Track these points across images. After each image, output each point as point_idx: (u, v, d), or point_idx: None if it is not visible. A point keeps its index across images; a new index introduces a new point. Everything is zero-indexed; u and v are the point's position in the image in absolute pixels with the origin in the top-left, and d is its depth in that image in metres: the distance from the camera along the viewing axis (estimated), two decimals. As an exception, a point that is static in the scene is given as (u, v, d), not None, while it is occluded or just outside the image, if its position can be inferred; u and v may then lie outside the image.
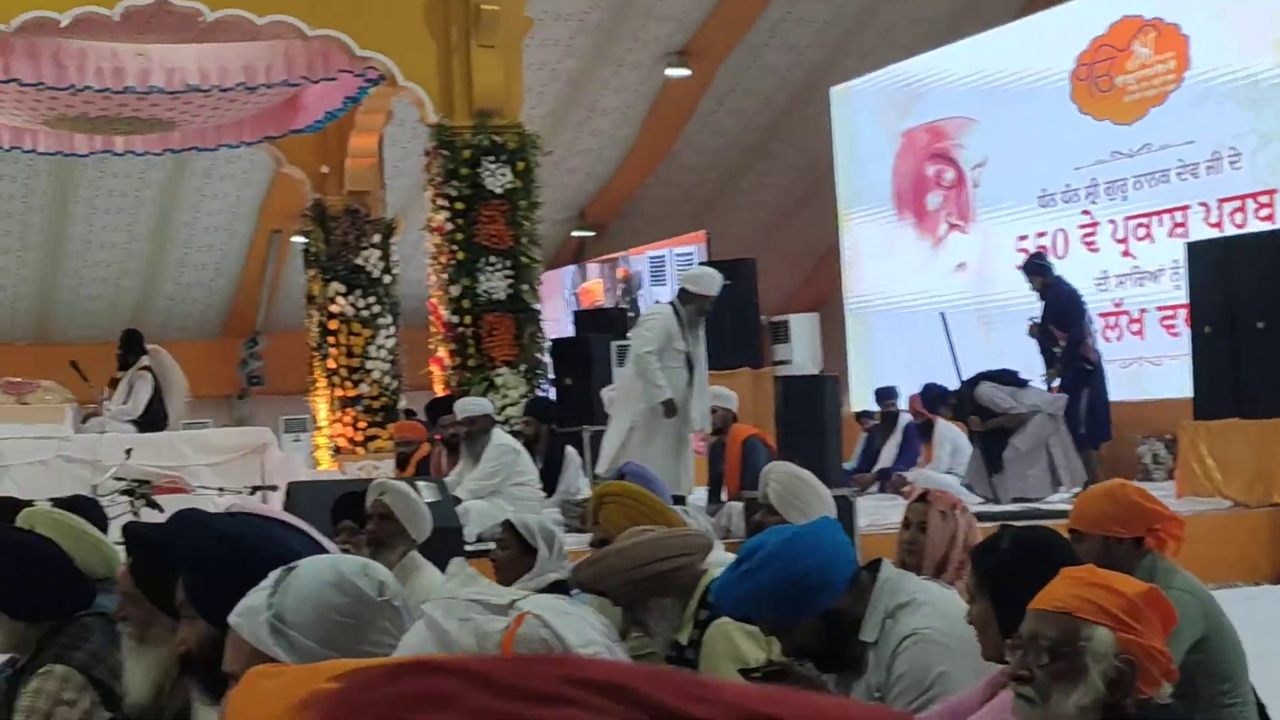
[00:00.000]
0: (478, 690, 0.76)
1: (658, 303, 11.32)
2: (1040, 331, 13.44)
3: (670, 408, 10.86)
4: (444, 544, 8.02)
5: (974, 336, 16.46)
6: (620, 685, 0.76)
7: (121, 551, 4.42)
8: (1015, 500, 12.49)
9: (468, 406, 11.81)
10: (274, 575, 2.46)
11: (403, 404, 16.90)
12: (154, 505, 10.32)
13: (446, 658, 0.79)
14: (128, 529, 4.28)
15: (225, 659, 2.42)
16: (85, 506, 6.54)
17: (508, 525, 6.11)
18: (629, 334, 18.30)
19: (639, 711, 0.74)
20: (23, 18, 13.08)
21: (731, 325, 16.08)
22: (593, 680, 0.76)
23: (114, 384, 14.49)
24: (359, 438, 16.63)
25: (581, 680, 0.76)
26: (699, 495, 12.46)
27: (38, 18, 13.13)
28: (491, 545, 6.78)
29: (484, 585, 2.61)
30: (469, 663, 0.77)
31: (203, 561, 2.98)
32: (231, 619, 2.42)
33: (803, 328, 20.01)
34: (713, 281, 11.29)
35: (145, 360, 14.40)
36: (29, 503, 6.63)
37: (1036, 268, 13.64)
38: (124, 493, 10.54)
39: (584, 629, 3.64)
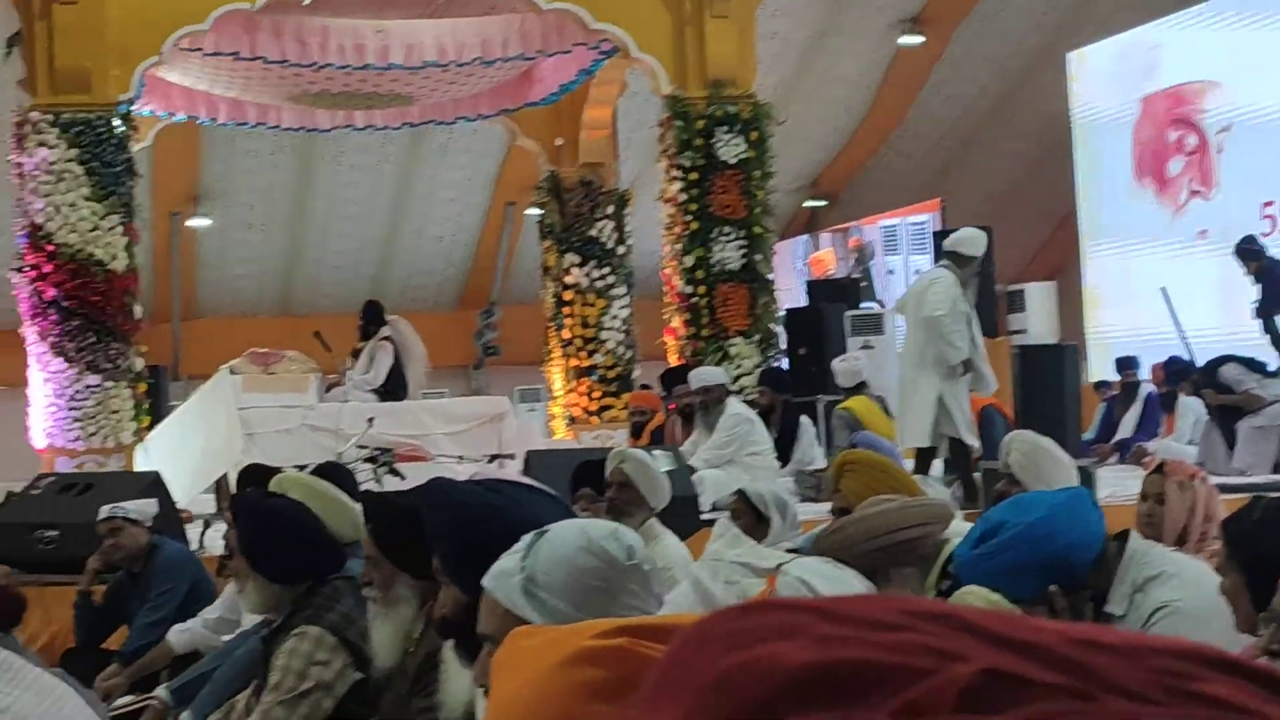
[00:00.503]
0: (822, 621, 0.80)
1: (940, 266, 11.16)
2: (1263, 314, 13.08)
3: (968, 367, 10.76)
4: (680, 513, 8.08)
5: (1211, 305, 16.08)
6: (954, 615, 0.80)
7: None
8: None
9: (703, 376, 11.85)
10: (526, 539, 2.50)
11: (636, 374, 17.00)
12: (396, 473, 10.54)
13: (790, 597, 0.84)
14: (366, 496, 4.38)
15: (480, 621, 2.47)
16: (336, 473, 6.71)
17: (741, 495, 6.12)
18: (861, 304, 18.21)
19: (975, 638, 0.78)
20: (268, -3, 13.44)
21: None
22: (928, 611, 0.81)
23: (356, 354, 14.80)
24: (593, 407, 16.78)
25: (918, 612, 0.81)
26: (937, 465, 12.35)
27: (283, -4, 13.48)
28: (725, 515, 6.81)
29: (748, 548, 2.62)
30: (812, 599, 0.83)
31: (456, 529, 3.04)
32: (485, 582, 2.46)
33: (1039, 297, 19.73)
34: (982, 242, 11.20)
35: (386, 331, 14.68)
36: (277, 470, 6.82)
37: (1249, 252, 13.27)
38: (367, 460, 10.79)
39: (847, 592, 3.65)
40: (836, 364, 13.07)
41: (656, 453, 8.32)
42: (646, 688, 0.83)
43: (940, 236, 18.14)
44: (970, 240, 11.15)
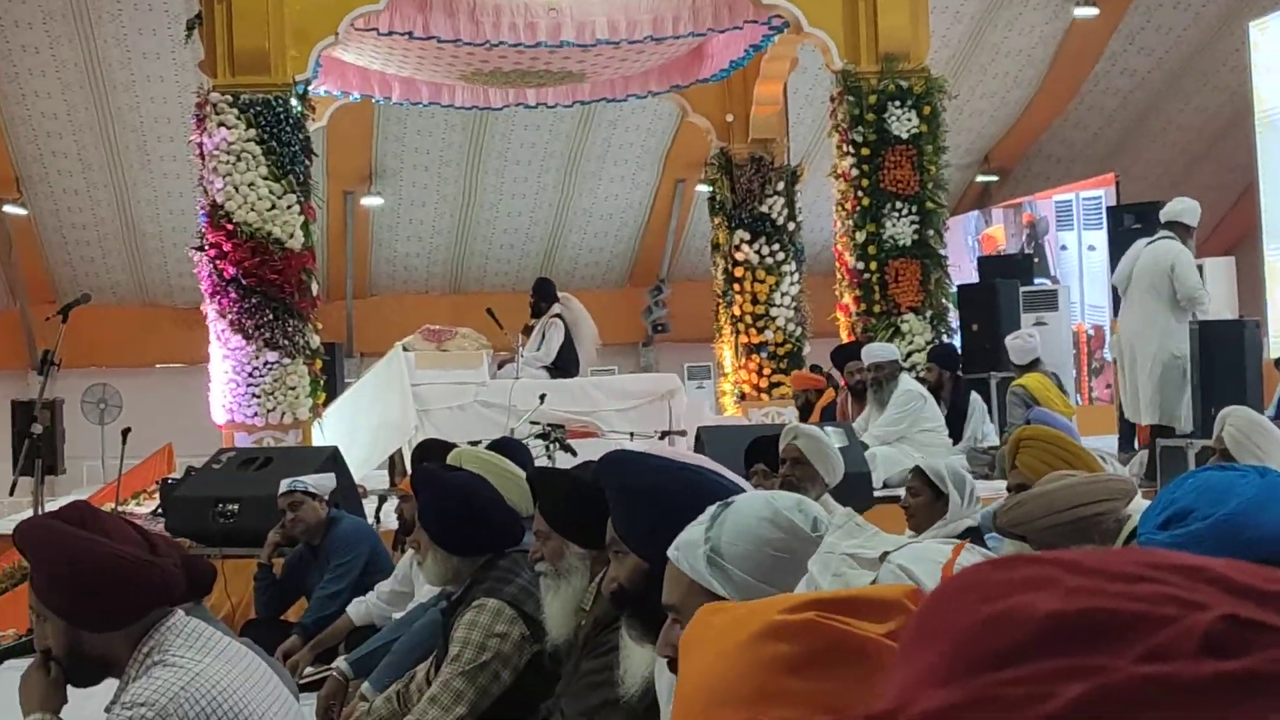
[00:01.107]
0: (1071, 573, 0.84)
1: (1164, 238, 11.09)
2: None
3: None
4: (853, 489, 8.06)
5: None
6: (1195, 566, 0.84)
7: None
8: None
9: (875, 352, 11.81)
10: (711, 510, 2.50)
11: (807, 351, 16.95)
12: (568, 449, 10.60)
13: (1041, 552, 0.88)
14: (533, 471, 4.41)
15: (664, 592, 2.48)
16: (511, 448, 6.77)
17: (918, 471, 6.08)
18: (1034, 280, 17.98)
19: (1215, 588, 0.82)
20: (441, -24, 13.57)
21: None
22: (1170, 564, 0.85)
23: (527, 331, 14.90)
24: (763, 384, 16.76)
25: (1160, 564, 0.85)
26: (1109, 443, 12.20)
27: (455, -25, 13.60)
28: (900, 491, 6.77)
29: (866, 537, 2.60)
30: (1061, 553, 0.88)
31: (634, 499, 3.06)
32: (671, 552, 2.47)
33: (1217, 271, 19.34)
34: (1198, 211, 11.18)
35: (557, 308, 14.77)
36: (452, 445, 6.90)
37: None
38: (538, 437, 10.86)
39: None
40: (1010, 341, 12.95)
41: (829, 429, 8.29)
42: (903, 639, 0.88)
43: (1115, 211, 17.90)
44: (1191, 210, 11.16)
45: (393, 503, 9.78)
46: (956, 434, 12.24)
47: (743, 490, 3.01)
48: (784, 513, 2.47)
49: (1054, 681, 0.79)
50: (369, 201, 24.91)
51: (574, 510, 3.96)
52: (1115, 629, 0.80)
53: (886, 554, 3.38)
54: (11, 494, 11.52)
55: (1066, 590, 0.82)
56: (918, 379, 12.50)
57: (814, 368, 16.53)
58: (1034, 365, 12.68)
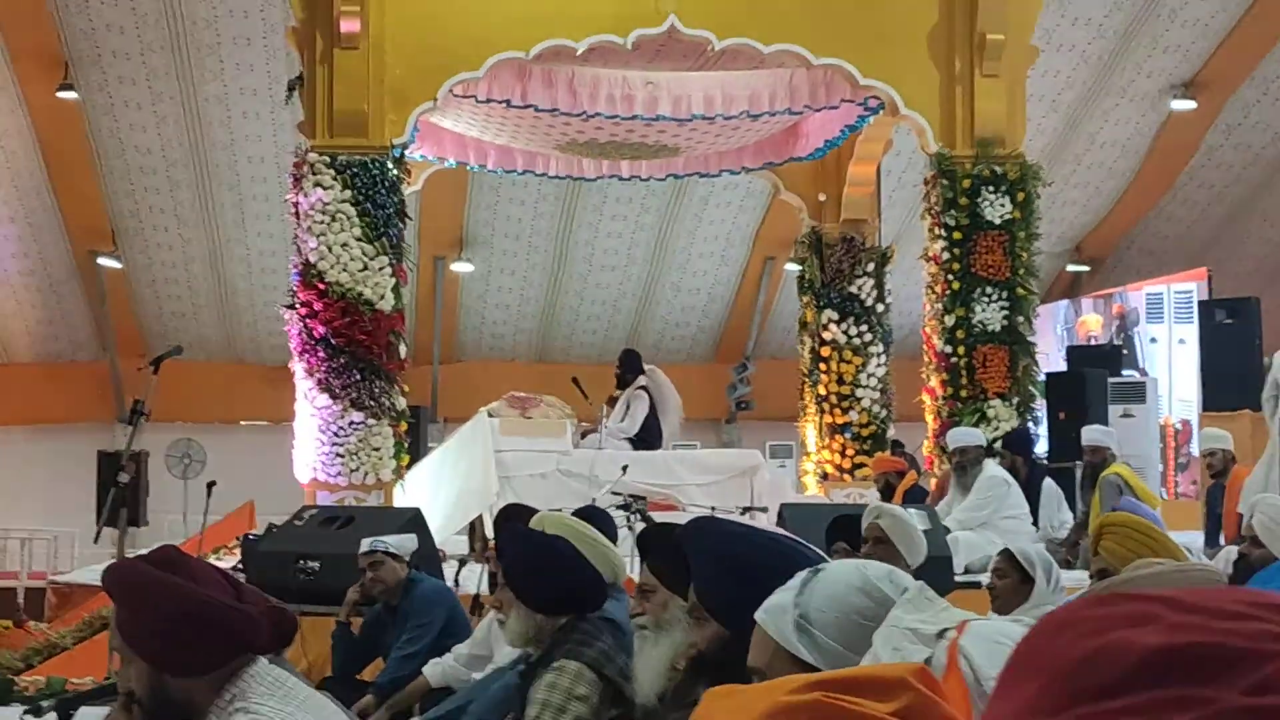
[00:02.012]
0: (1173, 610, 0.86)
1: None
2: None
3: None
4: (935, 572, 8.00)
5: None
6: None
7: (630, 557, 4.58)
8: None
9: (960, 437, 11.76)
10: (801, 576, 2.50)
11: (891, 433, 16.88)
12: (648, 521, 10.59)
13: (1139, 590, 0.89)
14: (644, 529, 4.43)
15: (750, 654, 2.48)
16: (596, 517, 6.78)
17: (1006, 554, 6.04)
18: (1122, 372, 17.85)
19: None
20: (541, 46, 13.68)
21: (1233, 365, 15.55)
22: (1271, 603, 0.86)
23: (612, 402, 14.93)
24: (846, 464, 16.69)
25: (1261, 603, 0.86)
26: (1194, 538, 12.06)
27: (555, 46, 13.70)
28: (982, 577, 6.72)
29: (933, 612, 2.58)
30: (1163, 590, 0.89)
31: (719, 565, 3.06)
32: (759, 615, 2.47)
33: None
34: None
35: (643, 380, 14.80)
36: (534, 510, 6.91)
37: None
38: (620, 508, 10.86)
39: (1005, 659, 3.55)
40: (1086, 432, 12.83)
41: (912, 510, 8.25)
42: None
43: (1206, 306, 17.77)
44: None
45: (471, 568, 9.81)
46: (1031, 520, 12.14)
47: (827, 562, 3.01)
48: (874, 582, 2.47)
49: (1161, 711, 0.81)
50: (459, 267, 25.07)
51: (683, 563, 3.97)
52: (1221, 663, 0.82)
53: (944, 631, 3.36)
54: (95, 542, 11.62)
55: (1170, 626, 0.84)
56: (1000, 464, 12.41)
57: (896, 450, 16.46)
58: (1111, 458, 12.56)
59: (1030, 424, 14.13)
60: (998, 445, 13.29)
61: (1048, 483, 12.58)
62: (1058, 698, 0.84)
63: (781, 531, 3.41)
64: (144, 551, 3.82)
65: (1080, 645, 0.86)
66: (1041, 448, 14.52)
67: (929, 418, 14.31)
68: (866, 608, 2.45)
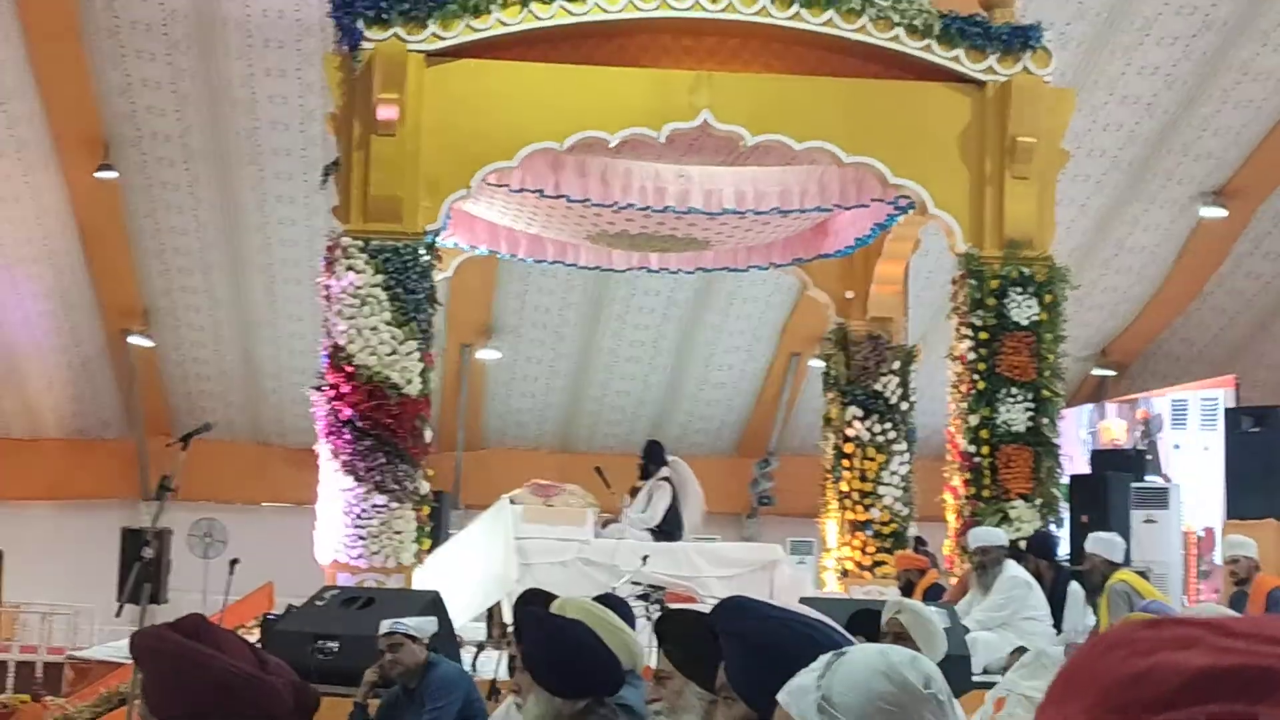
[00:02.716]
0: (1218, 634, 0.90)
1: None
2: None
3: None
4: (952, 671, 7.97)
5: None
6: None
7: (649, 643, 4.59)
8: None
9: (981, 536, 11.74)
10: (824, 658, 2.51)
11: (912, 531, 16.84)
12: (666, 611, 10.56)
13: (1186, 616, 0.92)
14: (663, 615, 4.45)
15: (770, 737, 2.48)
16: (614, 604, 6.78)
17: (1021, 653, 6.03)
18: (1145, 477, 17.80)
19: None
20: (575, 137, 13.76)
21: (1258, 473, 15.52)
22: None
23: (634, 492, 14.95)
24: (867, 561, 16.65)
25: None
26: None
27: (589, 138, 13.78)
28: (997, 678, 6.70)
29: (1047, 679, 2.61)
30: (1208, 617, 0.90)
31: (749, 645, 3.07)
32: (780, 696, 2.48)
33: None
34: None
35: (666, 471, 14.82)
36: (554, 596, 6.92)
37: None
38: (639, 597, 10.87)
39: None
40: (1091, 538, 12.77)
41: (932, 608, 8.23)
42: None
43: (1232, 413, 17.73)
44: None
45: (490, 653, 9.80)
46: (1055, 624, 12.09)
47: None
48: (898, 667, 2.48)
49: None
50: (485, 354, 25.17)
51: (699, 650, 3.99)
52: (1264, 684, 0.85)
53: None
54: (117, 616, 11.63)
55: (1216, 649, 0.86)
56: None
57: (918, 547, 16.42)
58: (1126, 561, 12.52)
59: (1053, 526, 14.09)
60: (1020, 546, 13.27)
61: (1073, 586, 12.53)
62: (1106, 712, 0.87)
63: (814, 614, 3.43)
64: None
65: (1130, 664, 0.89)
66: (1063, 550, 14.47)
67: (951, 517, 14.27)
68: (889, 693, 2.46)
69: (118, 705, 10.91)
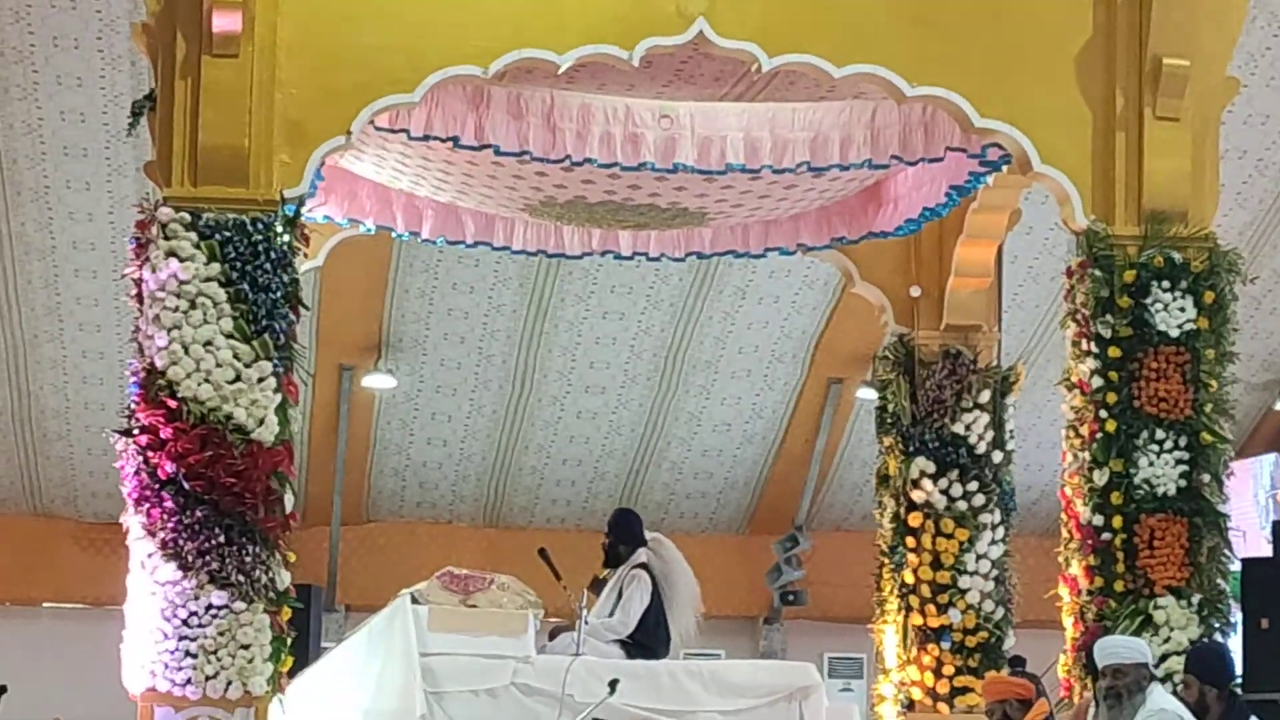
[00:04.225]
0: None
1: None
2: None
3: None
4: None
5: None
6: None
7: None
8: None
9: (1113, 650, 11.72)
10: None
11: (1010, 644, 16.83)
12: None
13: None
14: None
15: None
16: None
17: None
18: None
19: None
20: (507, 59, 13.57)
21: None
22: None
23: (596, 585, 14.94)
24: (943, 689, 16.64)
25: None
26: None
27: (528, 59, 13.58)
28: None
29: None
30: None
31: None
32: None
33: None
34: None
35: (643, 555, 14.85)
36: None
37: None
38: (608, 747, 10.88)
39: None
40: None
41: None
42: None
43: None
44: None
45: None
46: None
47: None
48: None
49: None
50: (375, 382, 25.10)
51: None
52: None
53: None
54: None
55: None
56: (1175, 694, 12.40)
57: (1017, 668, 16.43)
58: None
59: (1219, 635, 14.09)
60: (1177, 665, 13.26)
61: (1254, 722, 12.57)
62: None
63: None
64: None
65: None
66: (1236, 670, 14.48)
67: (1067, 621, 14.27)
68: None
69: None
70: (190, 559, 13.20)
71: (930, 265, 17.40)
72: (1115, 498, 14.01)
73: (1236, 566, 14.64)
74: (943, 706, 16.65)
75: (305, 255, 14.30)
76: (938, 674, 16.72)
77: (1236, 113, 15.80)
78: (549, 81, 14.28)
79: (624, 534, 14.98)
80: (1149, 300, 14.07)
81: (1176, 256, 14.17)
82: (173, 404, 13.28)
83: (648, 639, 14.42)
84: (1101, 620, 13.86)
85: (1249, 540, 20.85)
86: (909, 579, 16.83)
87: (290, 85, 13.75)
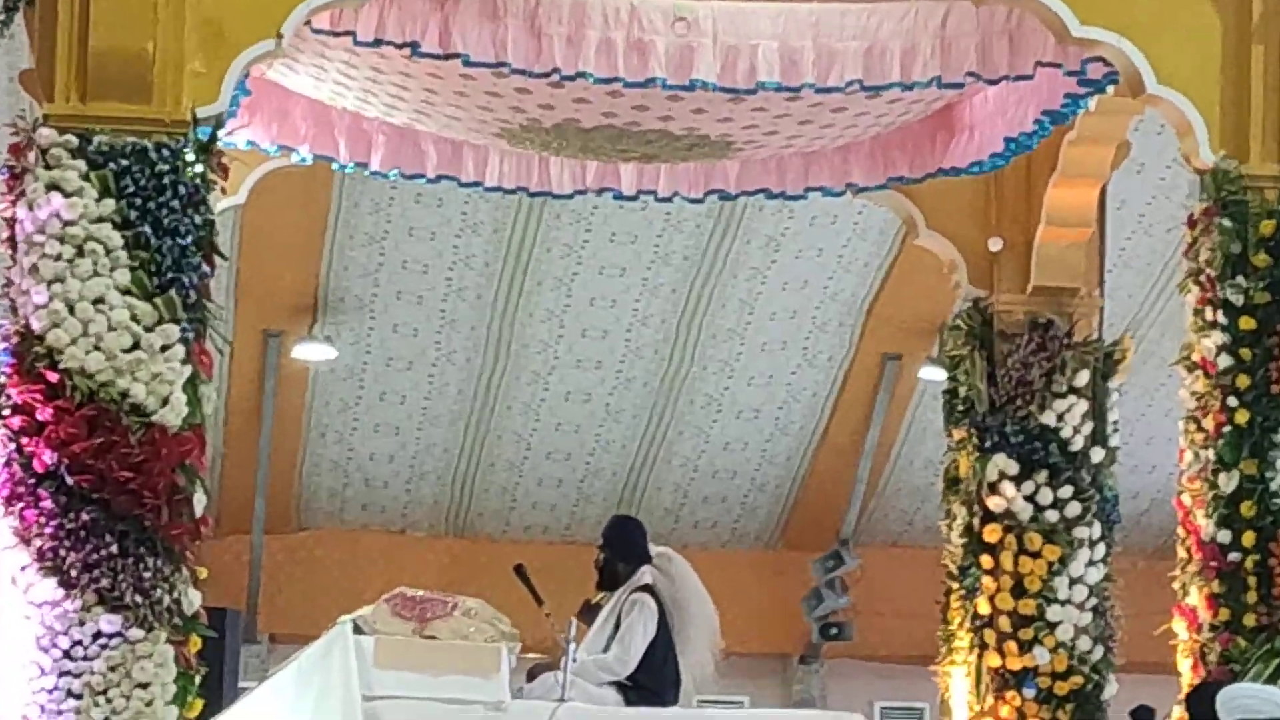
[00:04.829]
0: None
1: None
2: None
3: None
4: None
5: None
6: None
7: None
8: None
9: (1243, 701, 11.76)
10: None
11: (1111, 691, 16.88)
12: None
13: None
14: None
15: None
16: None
17: None
18: None
19: None
20: (480, -57, 13.75)
21: None
22: None
23: (587, 612, 14.97)
24: (1025, 747, 16.72)
25: None
26: None
27: (506, -56, 13.76)
28: None
29: None
30: None
31: None
32: None
33: None
34: None
35: (647, 575, 14.86)
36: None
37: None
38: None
39: None
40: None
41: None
42: None
43: None
44: None
45: None
46: None
47: None
48: None
49: None
50: (309, 352, 25.12)
51: None
52: None
53: None
54: None
55: None
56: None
57: (1143, 710, 16.48)
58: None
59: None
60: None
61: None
62: None
63: None
64: None
65: None
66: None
67: (1184, 664, 14.32)
68: None
69: None
70: (74, 574, 13.22)
71: (1015, 211, 17.45)
72: (1246, 508, 14.05)
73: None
74: (1025, 771, 16.71)
75: (223, 191, 14.35)
76: (1021, 728, 16.78)
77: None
78: (533, -28, 14.33)
79: (623, 548, 15.00)
80: (1293, 257, 14.11)
81: (1328, 203, 14.21)
82: (53, 377, 13.28)
83: (652, 680, 14.44)
84: (1228, 663, 13.89)
85: None
86: (984, 609, 16.88)
87: (206, -25, 13.79)
